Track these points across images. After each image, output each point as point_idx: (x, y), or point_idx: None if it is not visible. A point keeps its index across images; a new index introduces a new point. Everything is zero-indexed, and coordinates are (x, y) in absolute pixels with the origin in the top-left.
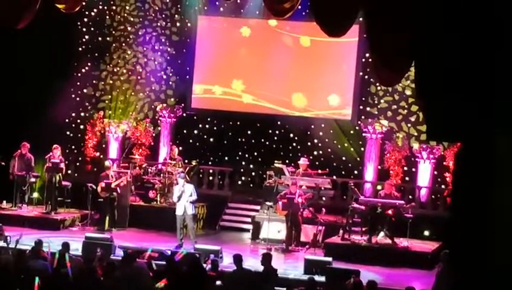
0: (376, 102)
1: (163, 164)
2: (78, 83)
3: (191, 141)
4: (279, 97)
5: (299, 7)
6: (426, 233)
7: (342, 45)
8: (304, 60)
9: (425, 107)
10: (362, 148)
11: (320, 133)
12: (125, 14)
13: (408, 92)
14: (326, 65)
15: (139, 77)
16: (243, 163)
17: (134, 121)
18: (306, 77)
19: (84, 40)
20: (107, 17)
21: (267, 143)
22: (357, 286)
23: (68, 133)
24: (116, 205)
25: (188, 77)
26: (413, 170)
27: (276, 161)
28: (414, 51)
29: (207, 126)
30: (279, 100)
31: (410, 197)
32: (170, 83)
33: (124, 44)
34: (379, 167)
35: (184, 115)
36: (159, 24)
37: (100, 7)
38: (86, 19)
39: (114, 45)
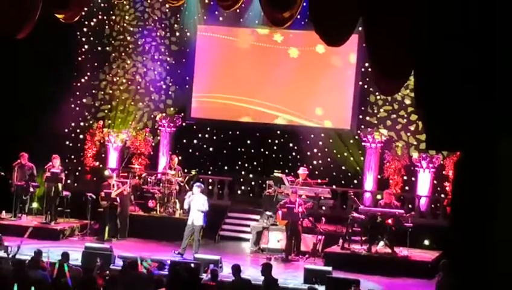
0: (375, 111)
1: (163, 174)
2: (78, 93)
3: (190, 150)
4: (280, 107)
5: (298, 17)
6: (426, 242)
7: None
8: (305, 70)
9: (424, 116)
10: (362, 158)
11: (320, 143)
12: (125, 24)
13: (407, 101)
14: (326, 75)
15: (138, 87)
16: (243, 172)
17: (133, 130)
18: (307, 87)
19: (83, 49)
20: (107, 26)
21: (267, 153)
22: None
23: (67, 143)
24: (118, 214)
25: (187, 86)
26: (413, 179)
27: (275, 171)
28: (413, 60)
29: (206, 136)
30: (280, 110)
31: (410, 206)
32: (170, 92)
33: (123, 54)
34: (379, 176)
35: (183, 124)
36: (158, 34)
37: (100, 17)
38: (85, 29)
39: (113, 54)
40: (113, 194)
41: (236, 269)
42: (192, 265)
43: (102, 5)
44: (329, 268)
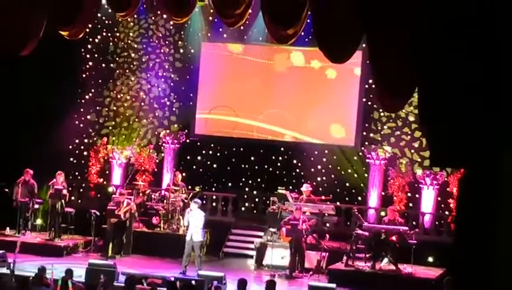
0: (379, 128)
1: (167, 190)
2: (82, 110)
3: (194, 167)
4: (284, 124)
5: (302, 34)
6: (430, 259)
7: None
8: (308, 86)
9: (428, 133)
10: (366, 175)
11: (324, 159)
12: (129, 41)
13: (411, 118)
14: (329, 92)
15: (142, 103)
16: (247, 189)
17: (137, 147)
18: (311, 104)
19: (87, 66)
20: (111, 43)
21: (271, 169)
22: None
23: (72, 159)
24: (127, 230)
25: (191, 103)
26: (417, 196)
27: (279, 187)
28: (417, 76)
29: (210, 152)
30: (284, 126)
31: (414, 223)
32: (174, 109)
33: (127, 70)
34: (383, 193)
35: (187, 141)
36: (162, 51)
37: (104, 34)
38: (89, 46)
39: (118, 71)
40: (121, 210)
41: (242, 284)
42: (194, 282)
43: (106, 22)
44: (333, 285)
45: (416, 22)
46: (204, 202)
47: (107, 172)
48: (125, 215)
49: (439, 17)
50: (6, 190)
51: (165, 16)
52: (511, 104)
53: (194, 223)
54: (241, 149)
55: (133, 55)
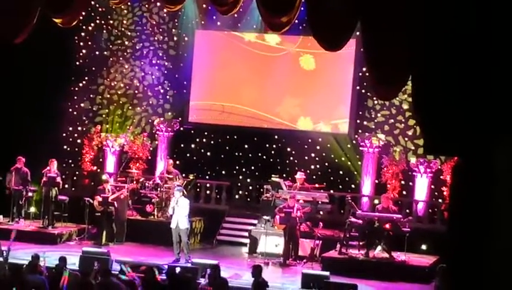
0: (373, 116)
1: (161, 178)
2: (76, 97)
3: (188, 155)
4: (276, 112)
5: (296, 21)
6: (423, 247)
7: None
8: (302, 75)
9: (422, 121)
10: (359, 162)
11: (317, 147)
12: (123, 29)
13: (405, 106)
14: (323, 80)
15: (136, 91)
16: (240, 177)
17: (131, 135)
18: (305, 92)
19: (81, 54)
20: (105, 31)
21: (264, 157)
22: None
23: (65, 147)
24: (114, 219)
25: (185, 91)
26: (411, 184)
27: (273, 175)
28: (411, 64)
29: (204, 140)
30: (276, 114)
31: (407, 211)
32: (167, 97)
33: (121, 58)
34: (376, 181)
35: (181, 129)
36: (156, 38)
37: (97, 21)
38: (83, 33)
39: (111, 59)
40: (109, 198)
41: (214, 269)
42: (187, 269)
43: (100, 9)
44: (327, 273)
45: (410, 10)
46: (198, 189)
47: (101, 160)
48: (114, 202)
49: (434, 5)
50: (0, 178)
51: (158, 4)
52: (505, 92)
53: (179, 211)
54: (235, 137)
55: (126, 42)
